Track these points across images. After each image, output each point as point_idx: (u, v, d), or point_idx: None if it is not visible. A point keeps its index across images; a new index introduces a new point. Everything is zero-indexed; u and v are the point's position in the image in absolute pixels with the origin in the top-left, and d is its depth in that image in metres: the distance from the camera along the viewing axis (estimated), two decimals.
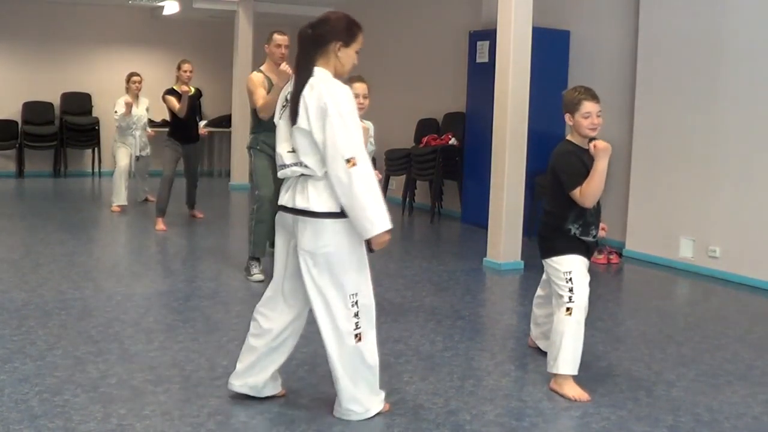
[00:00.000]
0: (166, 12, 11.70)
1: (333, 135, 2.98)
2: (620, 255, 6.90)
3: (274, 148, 3.29)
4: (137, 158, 9.04)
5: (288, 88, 3.23)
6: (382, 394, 3.31)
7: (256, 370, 3.33)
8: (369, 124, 4.38)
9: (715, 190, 6.28)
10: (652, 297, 5.78)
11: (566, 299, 3.62)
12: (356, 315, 3.12)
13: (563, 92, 3.80)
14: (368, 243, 3.10)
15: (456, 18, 9.14)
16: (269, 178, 5.52)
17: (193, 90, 7.96)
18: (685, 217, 6.52)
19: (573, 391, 3.56)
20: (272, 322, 3.28)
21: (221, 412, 3.28)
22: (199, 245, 7.27)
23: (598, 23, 7.60)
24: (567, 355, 3.56)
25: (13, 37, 11.77)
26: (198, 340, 4.27)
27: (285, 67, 4.92)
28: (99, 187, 11.23)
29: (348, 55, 3.18)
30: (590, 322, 3.86)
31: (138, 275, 5.85)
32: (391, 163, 9.07)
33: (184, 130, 7.95)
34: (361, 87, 4.31)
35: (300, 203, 3.10)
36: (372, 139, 4.55)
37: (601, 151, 3.59)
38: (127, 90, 8.84)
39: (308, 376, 3.74)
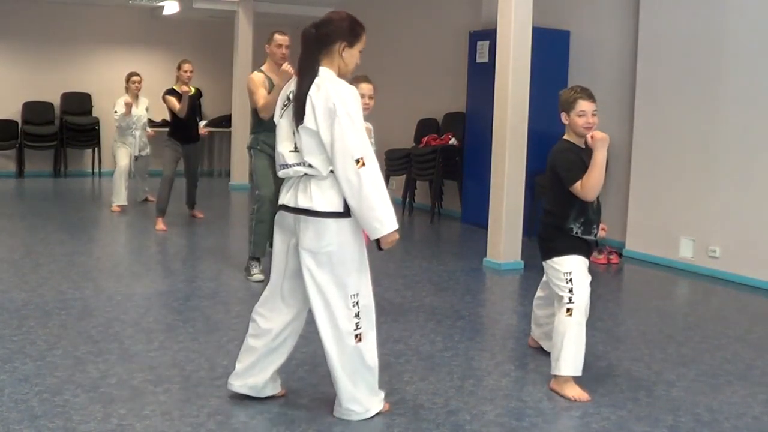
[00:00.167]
0: (166, 12, 11.70)
1: (342, 135, 2.98)
2: (620, 255, 6.90)
3: (274, 148, 3.29)
4: (137, 158, 9.04)
5: (288, 88, 3.23)
6: (382, 394, 3.31)
7: (255, 371, 3.33)
8: (369, 126, 4.38)
9: (715, 190, 6.28)
10: (652, 297, 5.78)
11: (566, 300, 3.62)
12: (357, 315, 3.12)
13: (560, 91, 3.81)
14: (377, 242, 3.10)
15: (456, 18, 9.14)
16: (269, 178, 5.52)
17: (193, 90, 7.96)
18: (685, 217, 6.52)
19: (573, 391, 3.56)
20: (271, 323, 3.28)
21: (221, 412, 3.28)
22: (199, 245, 7.27)
23: (598, 23, 7.60)
24: (569, 356, 3.55)
25: (13, 37, 11.77)
26: (198, 340, 4.27)
27: (287, 67, 4.92)
28: (99, 187, 11.23)
29: (352, 55, 3.18)
30: (590, 322, 3.86)
31: (138, 275, 5.85)
32: (391, 163, 9.07)
33: (184, 130, 7.95)
34: (367, 87, 4.31)
35: (303, 203, 3.10)
36: (372, 140, 4.54)
37: (599, 141, 3.59)
38: (127, 90, 8.84)
39: (308, 376, 3.74)
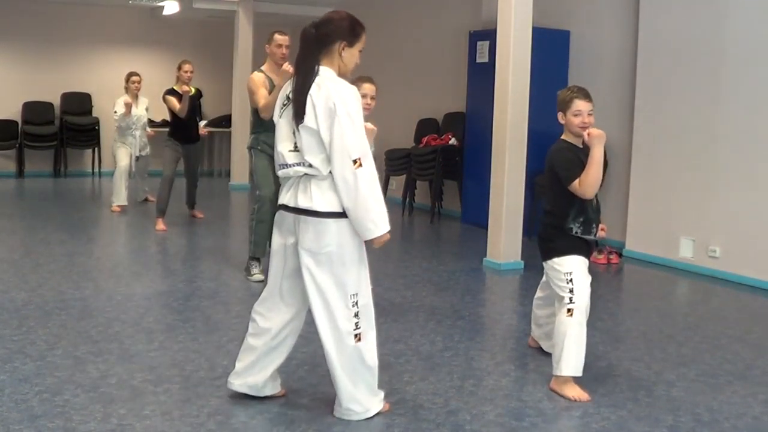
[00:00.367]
0: (166, 12, 11.70)
1: (341, 135, 2.98)
2: (620, 255, 6.90)
3: (274, 148, 3.29)
4: (137, 158, 9.04)
5: (287, 87, 3.23)
6: (381, 394, 3.31)
7: (255, 370, 3.33)
8: (372, 127, 4.38)
9: (715, 190, 6.28)
10: (652, 297, 5.78)
11: (567, 300, 3.62)
12: (356, 315, 3.12)
13: (558, 91, 3.82)
14: (368, 242, 3.11)
15: (456, 18, 9.14)
16: (270, 178, 5.52)
17: (193, 90, 7.96)
18: (685, 217, 6.52)
19: (573, 391, 3.56)
20: (270, 322, 3.28)
21: (221, 412, 3.28)
22: (199, 245, 7.27)
23: (598, 23, 7.60)
24: (570, 356, 3.55)
25: (13, 37, 11.76)
26: (198, 340, 4.27)
27: (287, 67, 4.92)
28: (99, 187, 11.23)
29: (352, 55, 3.18)
30: (590, 322, 3.85)
31: (138, 275, 5.85)
32: (391, 163, 9.07)
33: (185, 130, 7.95)
34: (370, 88, 4.31)
35: (303, 203, 3.10)
36: (372, 142, 4.54)
37: (596, 138, 3.60)
38: (127, 90, 8.84)
39: (308, 376, 3.74)
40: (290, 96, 3.16)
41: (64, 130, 11.87)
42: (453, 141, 8.63)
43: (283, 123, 3.18)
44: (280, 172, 3.21)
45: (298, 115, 3.06)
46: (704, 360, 4.21)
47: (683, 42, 6.54)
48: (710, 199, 6.32)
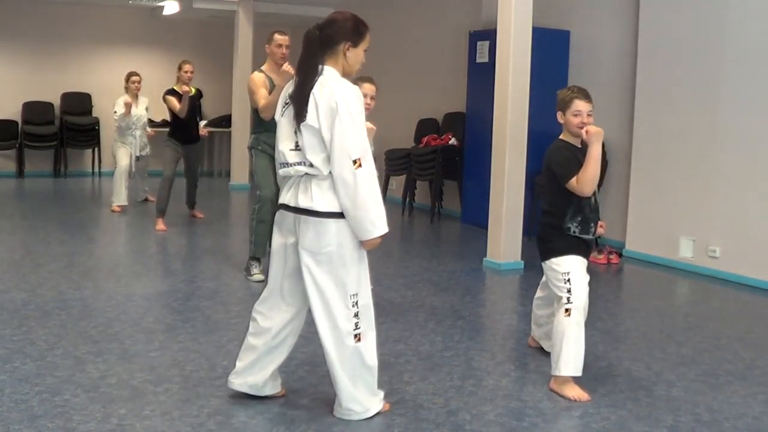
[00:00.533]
0: (166, 12, 11.70)
1: (342, 135, 2.98)
2: (620, 255, 6.90)
3: (275, 148, 3.28)
4: (137, 158, 9.04)
5: (290, 87, 3.23)
6: (381, 394, 3.31)
7: (256, 369, 3.34)
8: (372, 126, 4.38)
9: (715, 190, 6.28)
10: (652, 297, 5.78)
11: (565, 300, 3.62)
12: (356, 315, 3.12)
13: (558, 91, 3.82)
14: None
15: (456, 18, 9.14)
16: (270, 179, 5.51)
17: (193, 90, 7.96)
18: (685, 217, 6.52)
19: (573, 391, 3.56)
20: (271, 321, 3.28)
21: (221, 412, 3.28)
22: (199, 245, 7.27)
23: (598, 23, 7.60)
24: (568, 356, 3.55)
25: (13, 37, 11.76)
26: (198, 340, 4.27)
27: (287, 67, 4.92)
28: (99, 187, 11.23)
29: (356, 55, 3.18)
30: (590, 322, 3.86)
31: (138, 275, 5.85)
32: (391, 163, 9.07)
33: (185, 130, 7.95)
34: (370, 88, 4.32)
35: (303, 203, 3.10)
36: (372, 141, 4.55)
37: (593, 135, 3.60)
38: (127, 90, 8.84)
39: (308, 376, 3.74)
40: (290, 95, 3.16)
41: (64, 130, 11.87)
42: (453, 141, 8.63)
43: (284, 122, 3.18)
44: (281, 171, 3.21)
45: (300, 114, 3.06)
46: (704, 360, 4.21)
47: (683, 42, 6.54)
48: (710, 199, 6.32)
